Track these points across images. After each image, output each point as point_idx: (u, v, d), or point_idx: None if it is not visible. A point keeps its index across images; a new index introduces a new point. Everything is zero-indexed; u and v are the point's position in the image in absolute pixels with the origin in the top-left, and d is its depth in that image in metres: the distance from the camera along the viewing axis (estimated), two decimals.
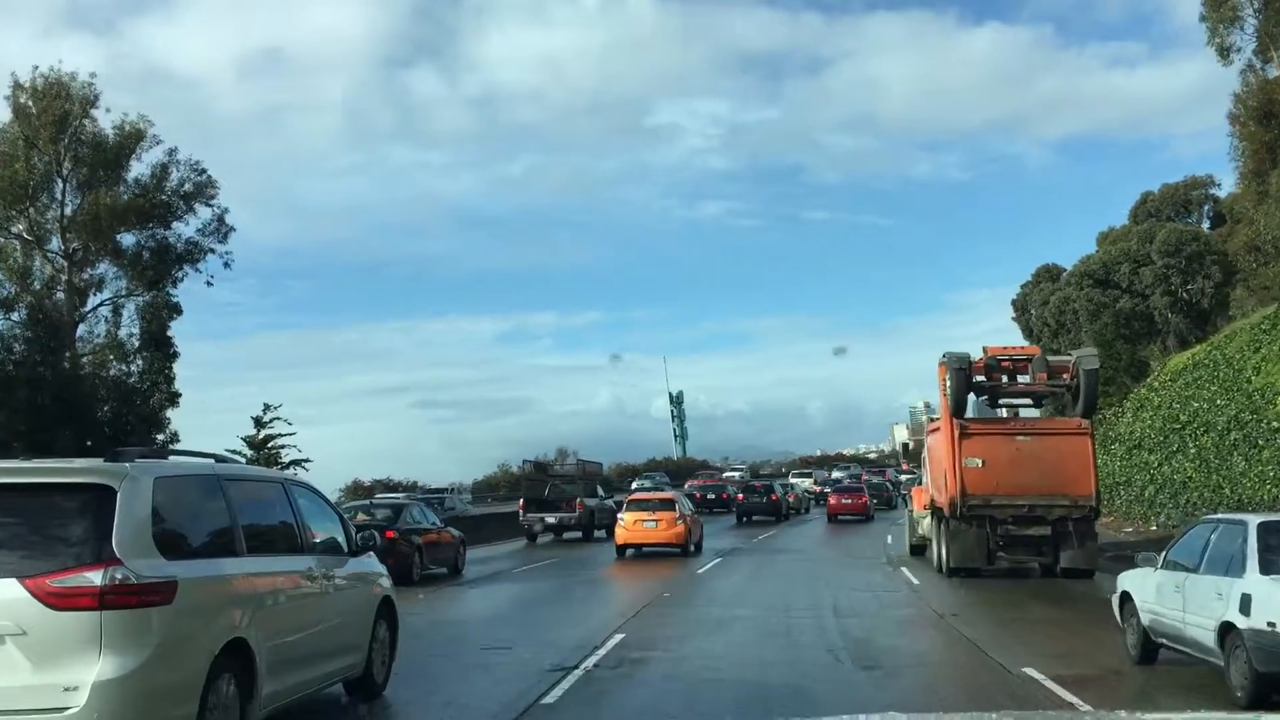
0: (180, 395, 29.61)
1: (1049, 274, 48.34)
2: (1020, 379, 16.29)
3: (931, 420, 18.92)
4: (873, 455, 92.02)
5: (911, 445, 42.26)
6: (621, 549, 21.12)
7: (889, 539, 26.36)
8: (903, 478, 57.74)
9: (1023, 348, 20.31)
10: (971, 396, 15.72)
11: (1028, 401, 17.18)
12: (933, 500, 16.33)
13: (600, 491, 28.95)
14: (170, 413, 29.21)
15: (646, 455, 67.59)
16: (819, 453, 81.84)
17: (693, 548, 21.30)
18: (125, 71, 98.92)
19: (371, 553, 6.97)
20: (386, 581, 7.13)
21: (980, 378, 15.63)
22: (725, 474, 51.97)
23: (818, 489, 45.20)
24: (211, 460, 5.71)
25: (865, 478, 46.62)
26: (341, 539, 6.57)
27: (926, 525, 17.41)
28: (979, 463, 14.32)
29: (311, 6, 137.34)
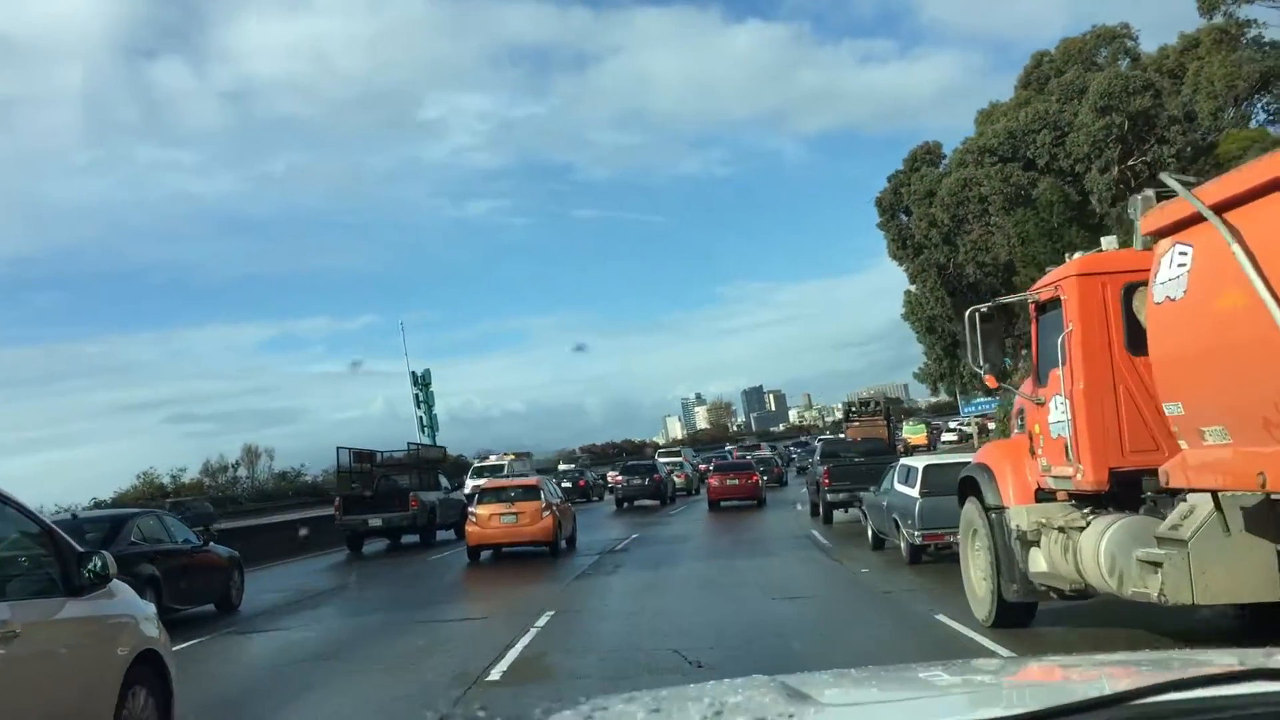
0: None
1: (926, 156, 39.79)
2: None
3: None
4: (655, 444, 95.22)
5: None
6: (475, 551, 18.31)
7: (798, 507, 26.19)
8: (764, 452, 57.29)
9: None
10: None
11: None
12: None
13: (444, 482, 25.66)
14: None
15: None
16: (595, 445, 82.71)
17: (564, 544, 19.01)
18: None
19: (118, 585, 5.51)
20: (150, 627, 5.71)
21: None
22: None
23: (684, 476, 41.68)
24: None
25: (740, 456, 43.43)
26: (56, 571, 5.14)
27: (1027, 522, 7.79)
28: None
29: None
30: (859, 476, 19.55)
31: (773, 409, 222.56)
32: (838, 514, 20.72)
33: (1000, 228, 34.84)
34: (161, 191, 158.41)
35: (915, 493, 12.69)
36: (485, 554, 18.66)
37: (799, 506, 26.62)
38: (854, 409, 50.69)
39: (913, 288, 41.54)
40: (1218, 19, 32.11)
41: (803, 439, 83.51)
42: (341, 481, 24.38)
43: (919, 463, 13.53)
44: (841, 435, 61.01)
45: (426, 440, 63.35)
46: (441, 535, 23.77)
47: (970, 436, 62.11)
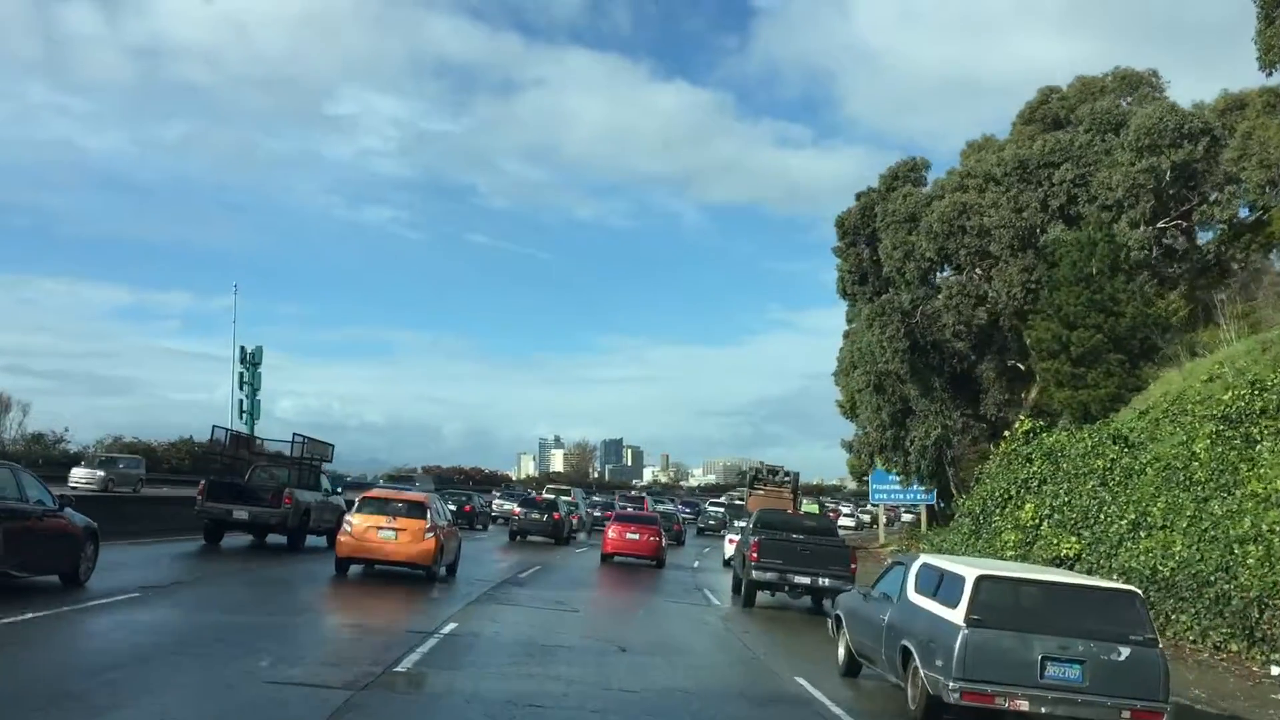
0: None
1: (910, 174, 34.50)
2: None
3: None
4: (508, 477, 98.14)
5: None
6: (344, 564, 18.15)
7: (696, 564, 26.16)
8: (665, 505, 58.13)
9: None
10: None
11: None
12: None
13: (326, 484, 25.40)
14: None
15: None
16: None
17: (442, 571, 18.94)
18: None
19: None
20: None
21: None
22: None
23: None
24: None
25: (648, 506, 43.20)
26: None
27: None
28: None
29: None
30: (794, 558, 18.63)
31: (629, 463, 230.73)
32: (762, 596, 19.61)
33: (1002, 271, 29.21)
34: (44, 134, 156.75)
35: (956, 616, 8.87)
36: (355, 569, 18.57)
37: (695, 569, 27.09)
38: (760, 475, 51.37)
39: (867, 333, 34.72)
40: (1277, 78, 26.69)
41: (689, 500, 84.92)
42: (210, 463, 23.96)
43: (967, 569, 9.38)
44: (739, 501, 62.09)
45: (244, 429, 60.35)
46: (313, 541, 23.60)
47: (867, 525, 63.44)
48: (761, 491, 48.76)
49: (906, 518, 52.21)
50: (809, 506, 53.76)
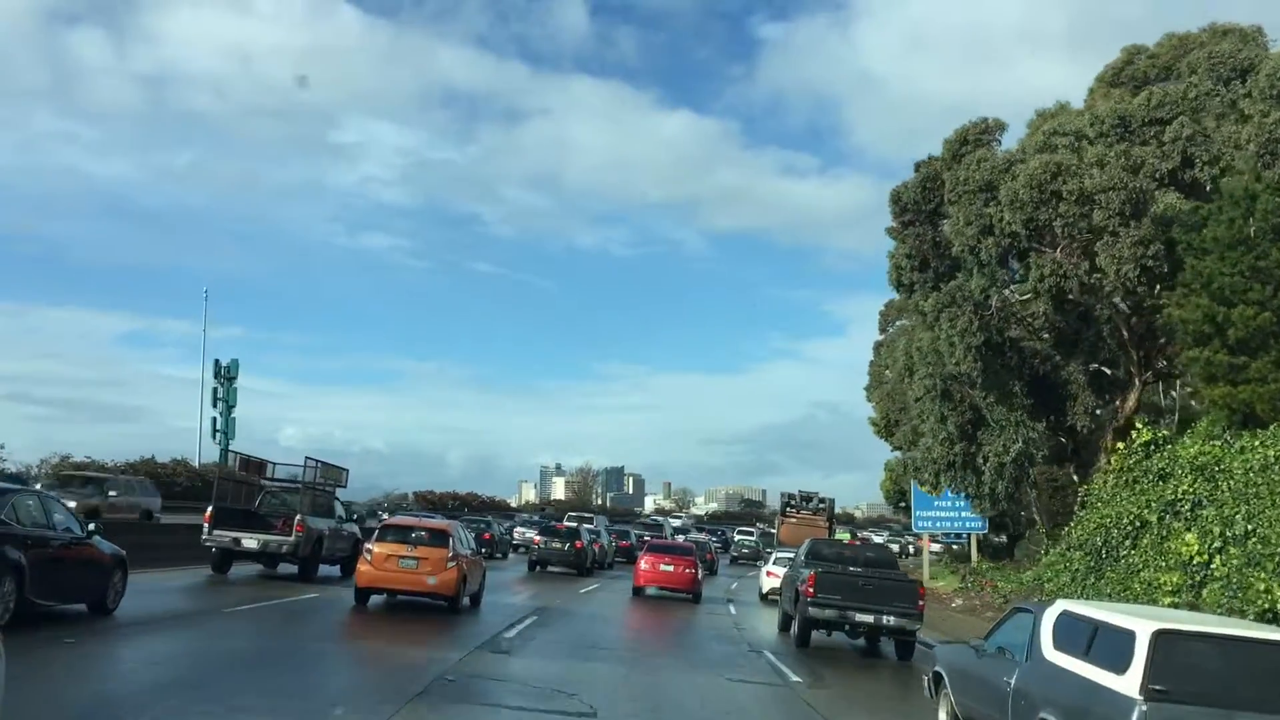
0: None
1: (982, 136, 30.18)
2: None
3: None
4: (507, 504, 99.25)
5: None
6: (364, 594, 18.45)
7: (733, 609, 24.21)
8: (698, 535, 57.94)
9: None
10: None
11: None
12: None
13: (341, 511, 25.69)
14: None
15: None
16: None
17: (466, 601, 19.26)
18: None
19: None
20: None
21: None
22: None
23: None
24: None
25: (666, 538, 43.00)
26: None
27: None
28: None
29: None
30: (855, 593, 17.76)
31: (630, 491, 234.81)
32: (817, 635, 18.75)
33: (1108, 246, 24.74)
34: (52, 162, 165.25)
35: (1127, 685, 7.29)
36: (375, 599, 18.82)
37: (732, 609, 25.65)
38: (792, 502, 51.29)
39: (924, 331, 31.08)
40: None
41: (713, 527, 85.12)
42: (217, 491, 24.31)
43: (1136, 621, 7.78)
44: (770, 530, 61.94)
45: (219, 448, 60.02)
46: (325, 571, 23.83)
47: (903, 556, 62.59)
48: (794, 519, 48.62)
49: (934, 548, 50.54)
50: (840, 535, 53.58)
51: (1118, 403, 30.50)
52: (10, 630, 10.85)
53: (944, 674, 10.78)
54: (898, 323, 48.86)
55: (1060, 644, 8.47)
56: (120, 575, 13.62)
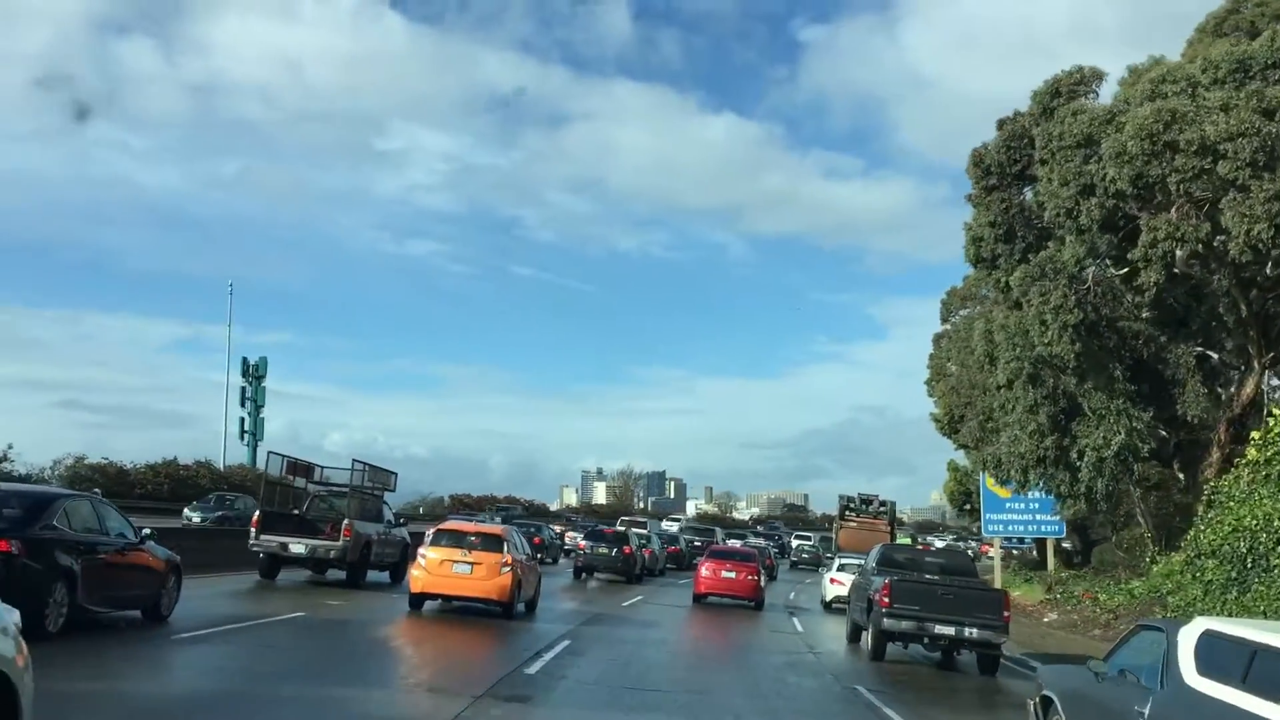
0: None
1: (1078, 87, 27.30)
2: None
3: None
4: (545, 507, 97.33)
5: None
6: (418, 599, 18.58)
7: (797, 624, 23.10)
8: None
9: None
10: None
11: None
12: None
13: (389, 515, 25.80)
14: None
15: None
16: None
17: (521, 608, 19.35)
18: None
19: None
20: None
21: None
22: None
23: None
24: None
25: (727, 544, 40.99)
26: None
27: None
28: None
29: None
30: (934, 603, 17.10)
31: (672, 496, 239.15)
32: (892, 648, 18.06)
33: (1236, 204, 22.38)
34: (103, 172, 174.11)
35: None
36: (429, 604, 18.87)
37: (798, 624, 24.39)
38: (851, 505, 50.61)
39: (1007, 313, 28.49)
40: None
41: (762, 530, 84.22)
42: (263, 495, 24.52)
43: None
44: (827, 535, 61.21)
45: (246, 449, 60.31)
46: (374, 577, 23.86)
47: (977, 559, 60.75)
48: (854, 523, 48.02)
49: (991, 553, 48.06)
50: (902, 539, 52.64)
51: (1232, 390, 28.40)
52: (63, 637, 10.98)
53: (1055, 699, 9.93)
54: (961, 312, 47.59)
55: (1206, 669, 7.57)
56: (175, 581, 13.74)
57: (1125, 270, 25.90)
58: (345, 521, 22.29)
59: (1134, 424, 26.12)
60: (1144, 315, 26.89)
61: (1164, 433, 27.17)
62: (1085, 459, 26.64)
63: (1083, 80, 27.86)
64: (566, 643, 16.10)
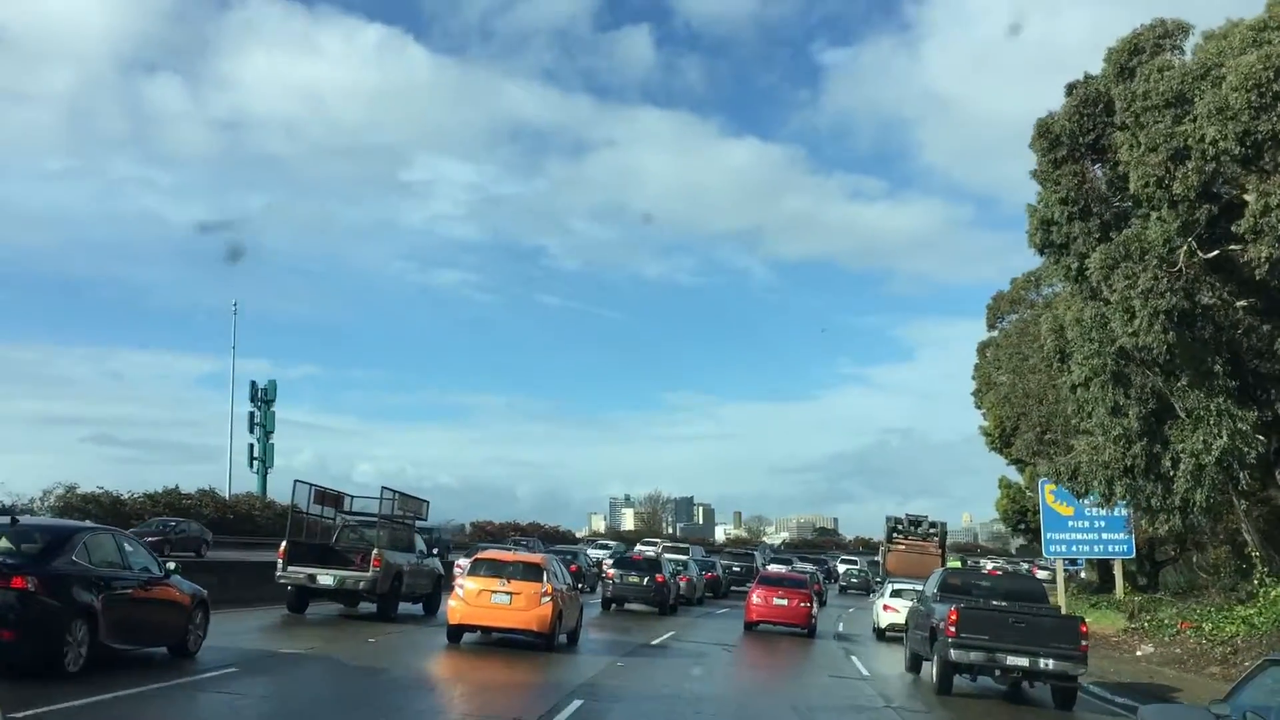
0: None
1: (1162, 41, 24.74)
2: None
3: None
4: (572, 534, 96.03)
5: None
6: (456, 632, 18.37)
7: (854, 656, 21.56)
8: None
9: None
10: None
11: None
12: None
13: (421, 545, 25.37)
14: None
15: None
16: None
17: (563, 639, 19.06)
18: None
19: None
20: None
21: None
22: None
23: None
24: None
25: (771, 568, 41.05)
26: None
27: None
28: None
29: None
30: (1005, 632, 16.28)
31: (700, 521, 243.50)
32: (959, 680, 17.12)
33: None
34: (131, 208, 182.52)
35: None
36: (468, 636, 18.52)
37: (856, 662, 22.33)
38: (899, 528, 49.61)
39: (1083, 304, 25.60)
40: None
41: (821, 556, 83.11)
42: (291, 525, 24.18)
43: None
44: (876, 559, 60.19)
45: (255, 477, 59.52)
46: (406, 609, 23.46)
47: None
48: (902, 546, 47.03)
49: (1042, 575, 45.80)
50: (953, 563, 51.43)
51: None
52: (84, 676, 10.59)
53: None
54: (1010, 317, 46.52)
55: None
56: (202, 615, 13.44)
57: (1216, 253, 23.31)
58: (375, 551, 21.92)
59: (1238, 425, 23.31)
60: (1236, 305, 24.14)
61: (1260, 436, 24.31)
62: (1181, 466, 23.86)
63: (1166, 34, 25.03)
64: (580, 702, 12.98)
